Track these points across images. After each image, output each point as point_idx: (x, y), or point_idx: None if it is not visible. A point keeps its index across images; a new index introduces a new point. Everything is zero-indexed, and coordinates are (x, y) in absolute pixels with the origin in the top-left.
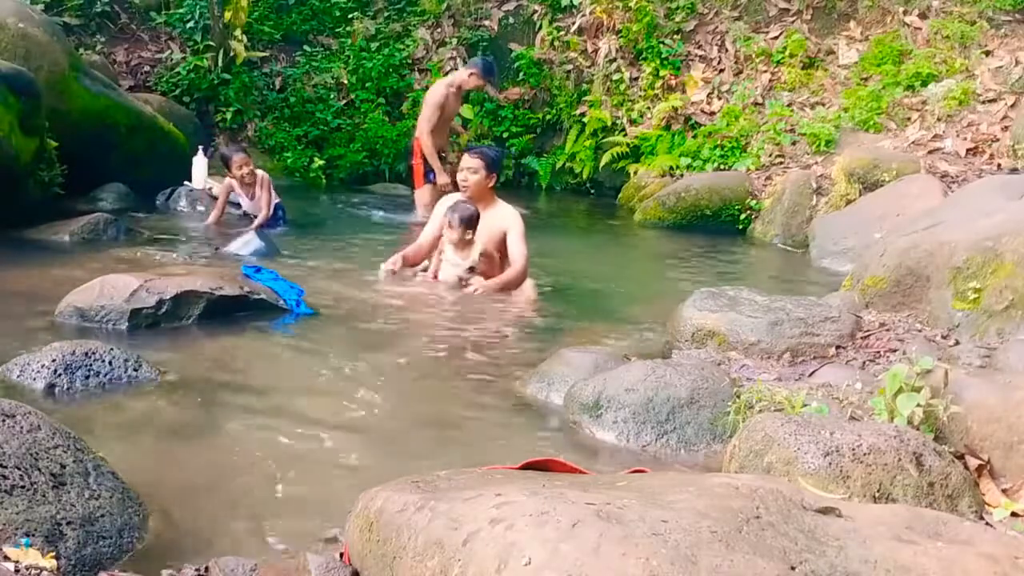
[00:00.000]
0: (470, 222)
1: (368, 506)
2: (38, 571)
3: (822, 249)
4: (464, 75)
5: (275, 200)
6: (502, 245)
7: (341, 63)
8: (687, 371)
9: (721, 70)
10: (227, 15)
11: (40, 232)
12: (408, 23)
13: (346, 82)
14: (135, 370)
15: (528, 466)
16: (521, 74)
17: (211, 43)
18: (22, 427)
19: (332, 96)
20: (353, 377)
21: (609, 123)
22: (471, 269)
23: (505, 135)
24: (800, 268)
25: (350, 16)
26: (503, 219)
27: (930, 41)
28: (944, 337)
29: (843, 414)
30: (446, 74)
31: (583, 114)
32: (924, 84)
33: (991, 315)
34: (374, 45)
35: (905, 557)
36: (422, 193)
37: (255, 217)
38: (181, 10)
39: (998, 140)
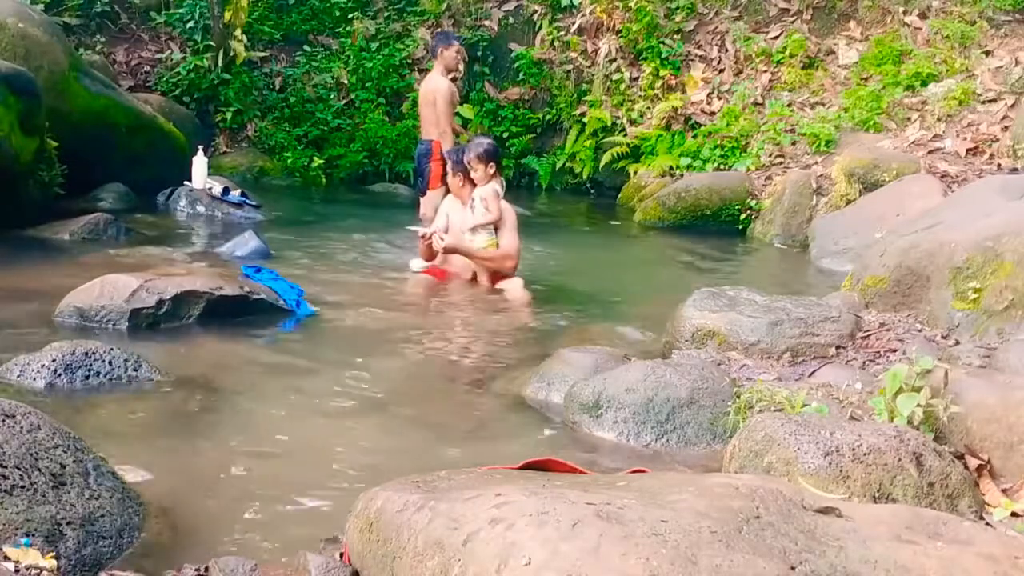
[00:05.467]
0: (488, 156)
1: (368, 506)
2: (38, 571)
3: (822, 249)
4: (448, 62)
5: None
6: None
7: (341, 63)
8: (687, 371)
9: (721, 70)
10: (227, 15)
11: (40, 232)
12: (408, 23)
13: (346, 82)
14: (135, 370)
15: (528, 466)
16: (521, 74)
17: (211, 43)
18: (22, 427)
19: (332, 96)
20: (353, 377)
21: (609, 123)
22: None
23: (505, 135)
24: (800, 268)
25: (350, 16)
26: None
27: (930, 41)
28: (944, 337)
29: (843, 414)
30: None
31: (583, 114)
32: (924, 84)
33: (991, 315)
34: (374, 45)
35: (905, 557)
36: (436, 195)
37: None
38: (181, 10)
39: (998, 140)
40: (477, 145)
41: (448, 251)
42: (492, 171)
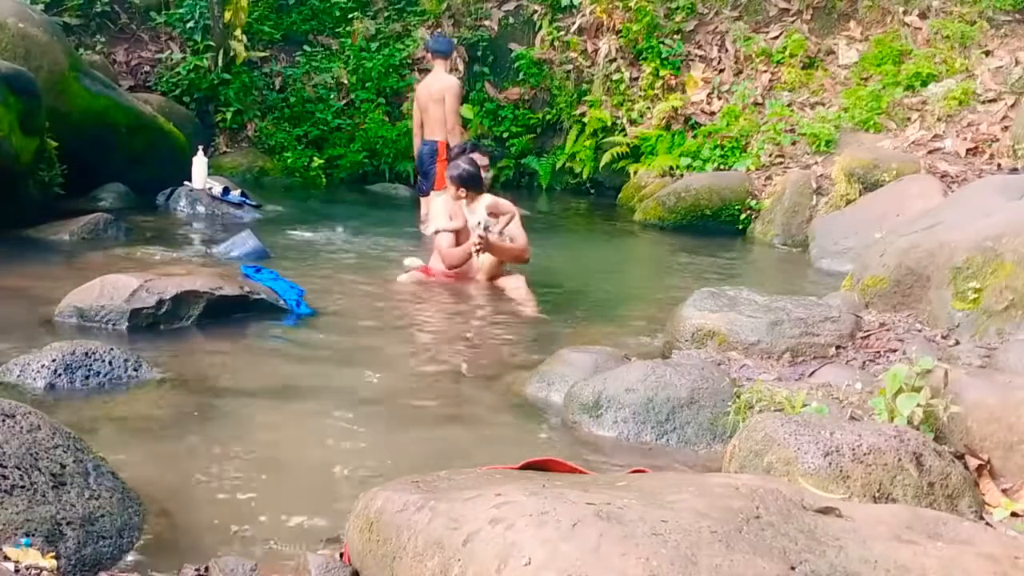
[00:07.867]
0: (459, 180)
1: (368, 506)
2: (38, 571)
3: (822, 249)
4: (450, 63)
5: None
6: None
7: (341, 63)
8: (687, 371)
9: (721, 70)
10: (227, 15)
11: (40, 232)
12: (408, 23)
13: (346, 82)
14: (135, 370)
15: (528, 466)
16: (521, 74)
17: (211, 43)
18: (22, 427)
19: (332, 96)
20: (353, 377)
21: (609, 123)
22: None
23: (505, 135)
24: (800, 268)
25: (350, 16)
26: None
27: (930, 41)
28: (944, 337)
29: (843, 414)
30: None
31: (583, 114)
32: (924, 84)
33: (991, 315)
34: (374, 45)
35: (905, 557)
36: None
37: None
38: (181, 10)
39: (998, 140)
40: (453, 167)
41: (486, 248)
42: (464, 194)
